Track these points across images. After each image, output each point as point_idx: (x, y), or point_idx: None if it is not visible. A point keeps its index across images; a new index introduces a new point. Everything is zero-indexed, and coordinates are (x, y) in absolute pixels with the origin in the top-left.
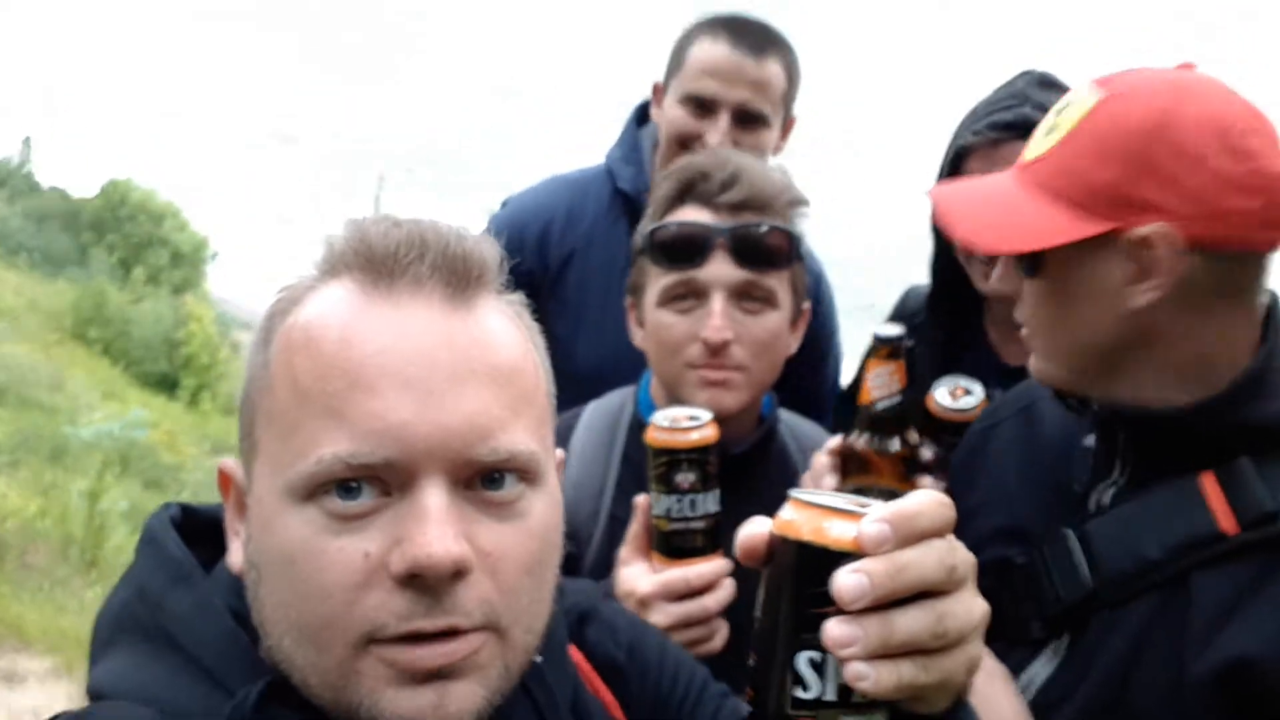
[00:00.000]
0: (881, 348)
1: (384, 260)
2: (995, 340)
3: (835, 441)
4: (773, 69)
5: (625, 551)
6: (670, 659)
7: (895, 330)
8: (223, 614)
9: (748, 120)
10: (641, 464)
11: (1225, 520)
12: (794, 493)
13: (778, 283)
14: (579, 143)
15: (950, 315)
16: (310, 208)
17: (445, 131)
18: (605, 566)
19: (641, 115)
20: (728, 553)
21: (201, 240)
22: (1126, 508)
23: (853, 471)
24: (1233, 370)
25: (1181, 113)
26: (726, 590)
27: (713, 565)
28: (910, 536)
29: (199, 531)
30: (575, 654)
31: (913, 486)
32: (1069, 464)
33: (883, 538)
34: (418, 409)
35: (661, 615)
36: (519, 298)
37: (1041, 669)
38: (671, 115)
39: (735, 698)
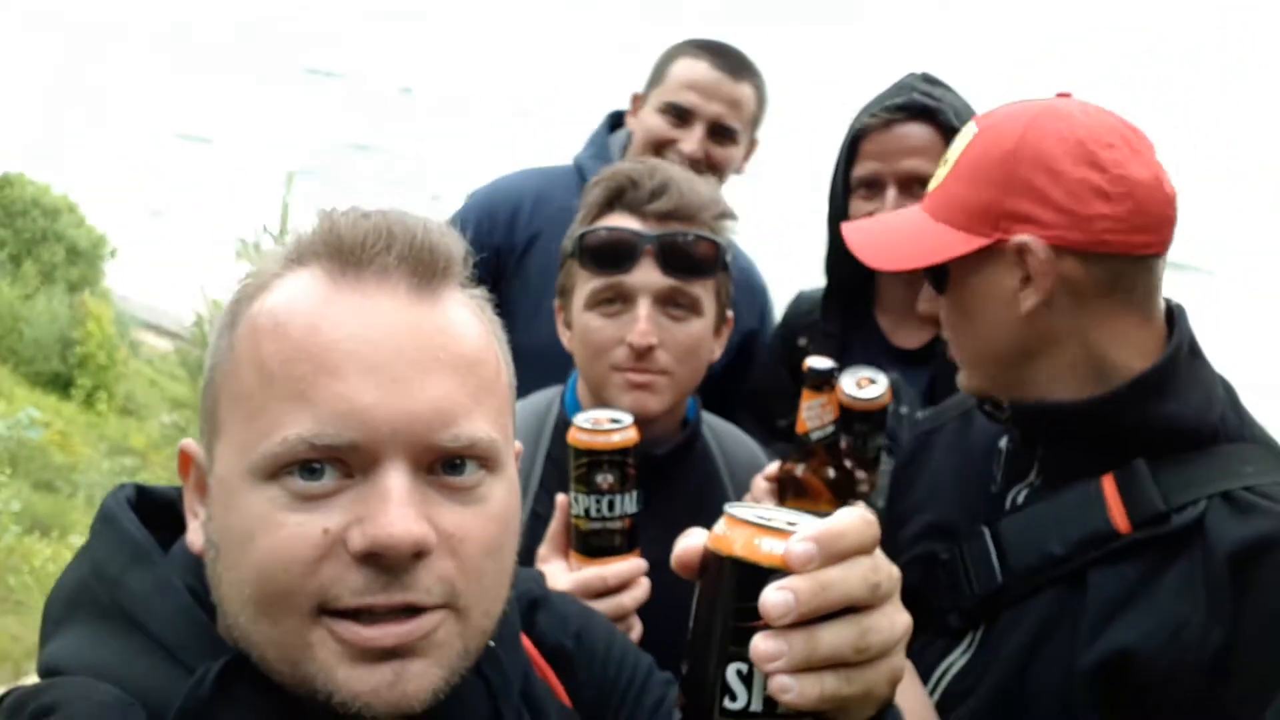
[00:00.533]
0: (814, 379)
1: (352, 250)
2: (886, 327)
3: (774, 468)
4: (746, 91)
5: (544, 549)
6: (617, 647)
7: (826, 364)
8: (181, 593)
9: (720, 133)
10: (565, 463)
11: (1120, 519)
12: (729, 508)
13: (703, 290)
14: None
15: (843, 308)
16: (219, 207)
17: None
18: (527, 563)
19: (613, 123)
20: (644, 552)
21: (100, 237)
22: (1037, 507)
23: (790, 497)
24: (1129, 373)
25: (1041, 133)
26: (642, 589)
27: (629, 564)
28: (836, 555)
29: (154, 512)
30: (524, 640)
31: None
32: (992, 467)
33: (808, 556)
34: (383, 394)
35: None
36: (482, 291)
37: (958, 658)
38: (650, 122)
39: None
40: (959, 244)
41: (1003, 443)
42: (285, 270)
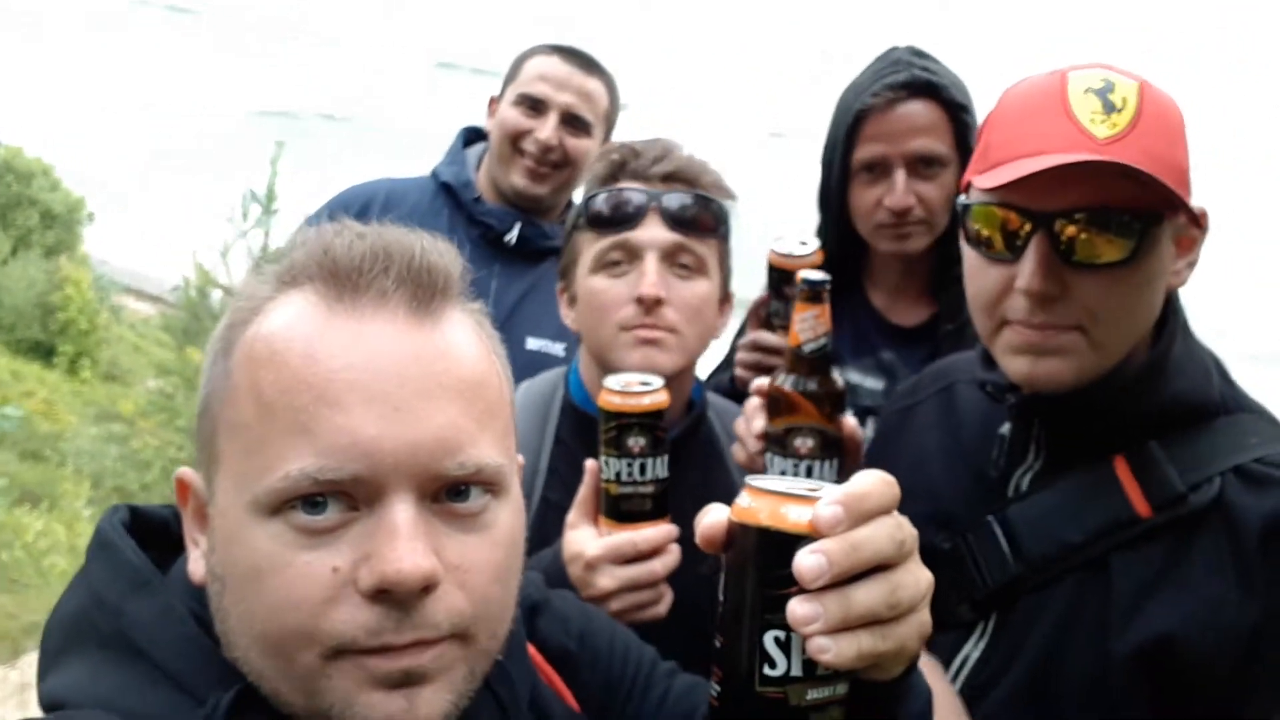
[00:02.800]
0: (808, 290)
1: (348, 274)
2: (880, 305)
3: (763, 382)
4: (596, 85)
5: (573, 515)
6: (619, 643)
7: (820, 275)
8: (186, 620)
9: (573, 123)
10: (574, 446)
11: (1139, 503)
12: (750, 480)
13: (708, 251)
14: None
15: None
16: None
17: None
18: (537, 550)
19: (467, 139)
20: (674, 519)
21: (77, 200)
22: (1046, 493)
23: (781, 411)
24: (1134, 351)
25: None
26: (674, 555)
27: (660, 530)
28: (861, 516)
29: (148, 533)
30: (529, 647)
31: (837, 426)
32: (989, 449)
33: (837, 519)
34: (385, 424)
35: (608, 578)
36: (479, 306)
37: (972, 650)
38: (505, 115)
39: (684, 674)
40: (1182, 199)
41: (1005, 428)
42: (279, 293)
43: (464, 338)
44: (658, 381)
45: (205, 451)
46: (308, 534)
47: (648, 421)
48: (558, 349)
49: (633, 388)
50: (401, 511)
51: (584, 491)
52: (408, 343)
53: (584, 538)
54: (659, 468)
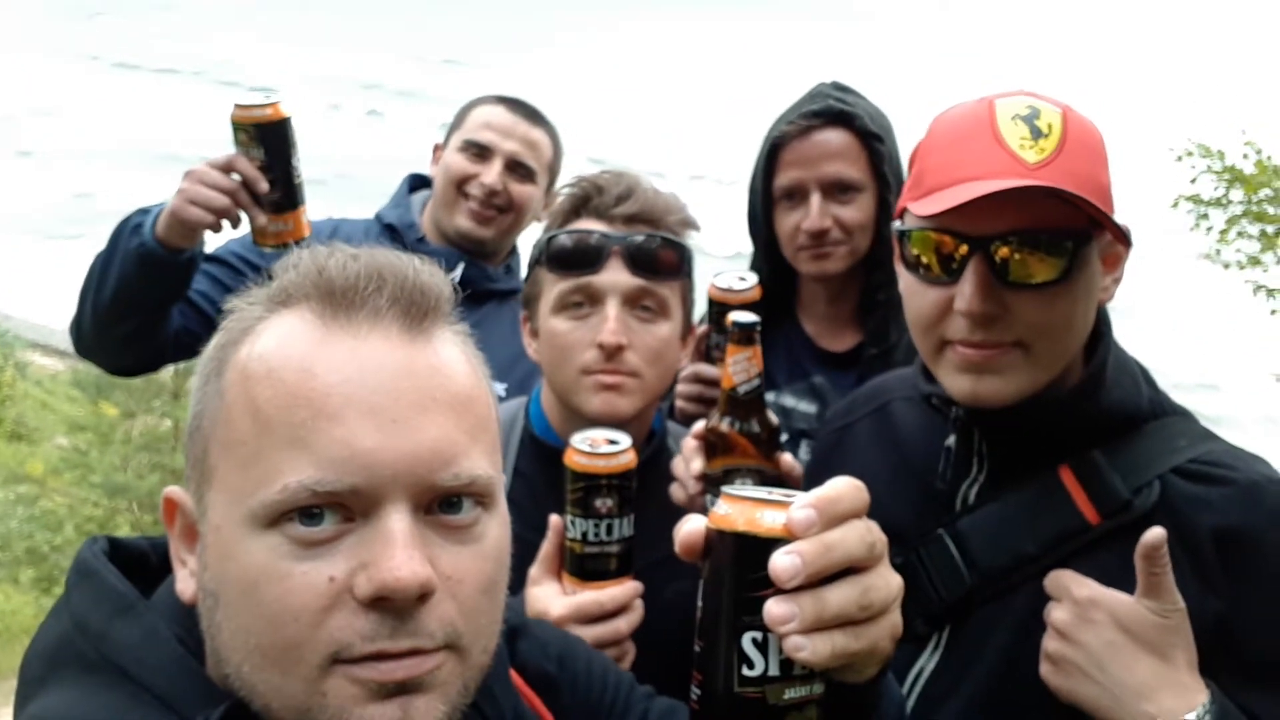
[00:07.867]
0: (740, 333)
1: (344, 292)
2: (811, 331)
3: (700, 425)
4: (541, 134)
5: (536, 571)
6: (598, 666)
7: (750, 318)
8: (171, 641)
9: (517, 169)
10: (533, 478)
11: (1088, 511)
12: (726, 489)
13: (670, 293)
14: None
15: (765, 310)
16: (96, 217)
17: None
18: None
19: (411, 186)
20: (638, 546)
21: None
22: (995, 505)
23: (718, 453)
24: (1075, 363)
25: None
26: (638, 613)
27: (625, 588)
28: (834, 519)
29: (127, 563)
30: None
31: (775, 464)
32: (932, 464)
33: (810, 521)
34: (383, 436)
35: None
36: (464, 327)
37: (927, 661)
38: (450, 160)
39: (662, 697)
40: (1109, 217)
41: (950, 440)
42: (270, 314)
43: (454, 355)
44: (625, 440)
45: (196, 470)
46: (304, 545)
47: (615, 482)
48: (499, 389)
49: (600, 448)
50: (398, 521)
51: (547, 548)
52: (402, 358)
53: (547, 595)
54: (625, 527)
